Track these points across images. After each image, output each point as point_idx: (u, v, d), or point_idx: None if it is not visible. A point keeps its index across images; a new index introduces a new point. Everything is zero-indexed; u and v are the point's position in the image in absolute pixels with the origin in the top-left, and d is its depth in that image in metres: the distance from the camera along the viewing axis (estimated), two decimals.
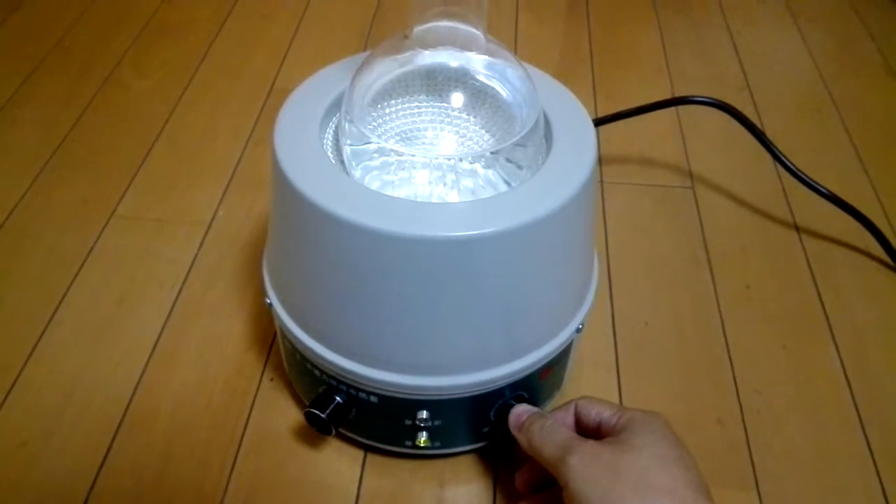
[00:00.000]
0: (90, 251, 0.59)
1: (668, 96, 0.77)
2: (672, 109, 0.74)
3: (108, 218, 0.62)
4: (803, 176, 0.60)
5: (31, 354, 0.52)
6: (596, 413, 0.40)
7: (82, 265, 0.58)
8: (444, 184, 0.38)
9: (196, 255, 0.59)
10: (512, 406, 0.42)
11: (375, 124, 0.39)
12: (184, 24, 0.85)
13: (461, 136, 0.40)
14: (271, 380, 0.51)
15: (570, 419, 0.41)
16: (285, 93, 0.46)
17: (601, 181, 0.67)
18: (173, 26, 0.85)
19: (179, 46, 0.82)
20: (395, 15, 0.88)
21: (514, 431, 0.41)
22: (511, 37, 0.85)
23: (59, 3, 0.87)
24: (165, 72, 0.78)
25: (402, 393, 0.40)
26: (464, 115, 0.40)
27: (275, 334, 0.53)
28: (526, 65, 0.41)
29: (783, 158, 0.60)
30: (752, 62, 0.83)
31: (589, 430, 0.40)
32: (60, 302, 0.55)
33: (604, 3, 0.91)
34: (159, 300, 0.56)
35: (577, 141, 0.39)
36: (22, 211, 0.62)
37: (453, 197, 0.38)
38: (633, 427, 0.36)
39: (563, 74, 0.79)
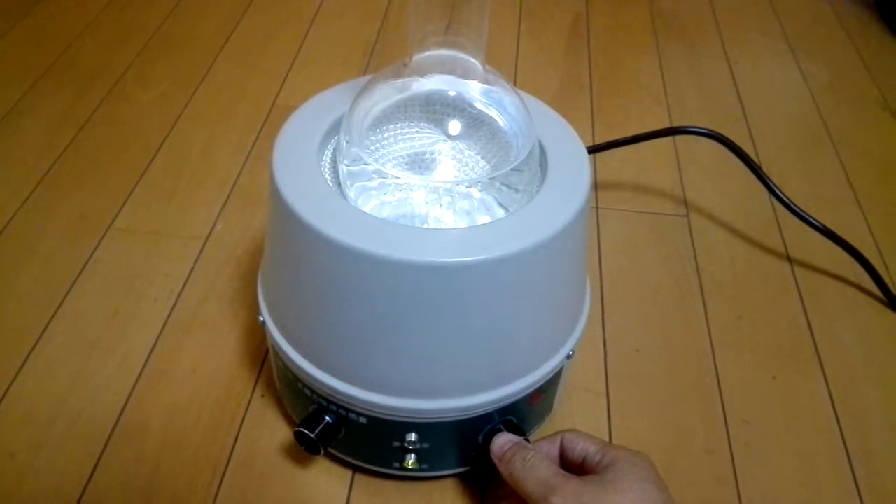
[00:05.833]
0: (86, 263, 0.59)
1: (665, 125, 0.78)
2: (668, 138, 0.75)
3: (106, 230, 0.62)
4: (796, 208, 0.61)
5: (22, 366, 0.52)
6: (581, 448, 0.40)
7: (78, 277, 0.58)
8: (440, 205, 0.38)
9: (192, 269, 0.59)
10: (500, 431, 0.42)
11: (374, 148, 0.39)
12: (188, 39, 0.86)
13: (458, 162, 0.40)
14: (262, 396, 0.51)
15: (556, 451, 0.41)
16: (287, 109, 0.47)
17: (597, 207, 0.68)
18: (178, 41, 0.86)
19: (183, 61, 0.82)
20: (398, 35, 0.89)
21: (495, 461, 0.41)
22: (512, 63, 0.86)
23: (66, 13, 0.88)
24: (168, 85, 0.79)
25: (392, 415, 0.40)
26: (461, 142, 0.40)
27: (267, 351, 0.53)
28: (522, 93, 0.42)
29: (777, 190, 0.61)
30: (750, 93, 0.84)
31: (573, 464, 0.40)
32: (54, 314, 0.55)
33: (605, 32, 0.92)
34: (153, 314, 0.56)
35: (572, 171, 0.40)
36: (20, 220, 0.63)
37: (449, 218, 0.38)
38: (618, 467, 0.36)
39: (562, 100, 0.80)
